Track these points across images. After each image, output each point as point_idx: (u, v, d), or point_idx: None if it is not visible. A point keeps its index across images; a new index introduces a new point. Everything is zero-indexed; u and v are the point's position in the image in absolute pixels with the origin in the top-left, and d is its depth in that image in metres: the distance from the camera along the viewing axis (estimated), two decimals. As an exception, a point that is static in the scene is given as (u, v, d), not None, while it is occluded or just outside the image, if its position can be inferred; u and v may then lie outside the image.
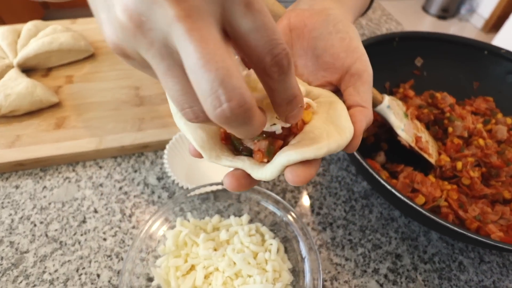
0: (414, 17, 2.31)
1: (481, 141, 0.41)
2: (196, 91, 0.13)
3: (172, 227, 0.31)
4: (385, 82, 0.51)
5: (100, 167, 0.42)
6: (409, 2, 2.42)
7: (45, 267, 0.34)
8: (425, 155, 0.40)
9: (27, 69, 0.50)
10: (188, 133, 0.20)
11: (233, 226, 0.31)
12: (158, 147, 0.43)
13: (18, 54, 0.50)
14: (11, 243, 0.36)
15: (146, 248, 0.30)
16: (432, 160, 0.41)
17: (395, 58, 0.50)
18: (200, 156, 0.21)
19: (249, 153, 0.21)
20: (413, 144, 0.40)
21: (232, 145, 0.22)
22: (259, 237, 0.31)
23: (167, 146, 0.38)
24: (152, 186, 0.40)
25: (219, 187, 0.32)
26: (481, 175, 0.39)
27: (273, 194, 0.32)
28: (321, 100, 0.24)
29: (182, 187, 0.36)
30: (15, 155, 0.40)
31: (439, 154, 0.42)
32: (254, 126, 0.15)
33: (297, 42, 0.26)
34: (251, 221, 0.33)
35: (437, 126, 0.44)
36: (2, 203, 0.38)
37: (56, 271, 0.34)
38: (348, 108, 0.23)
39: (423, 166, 0.41)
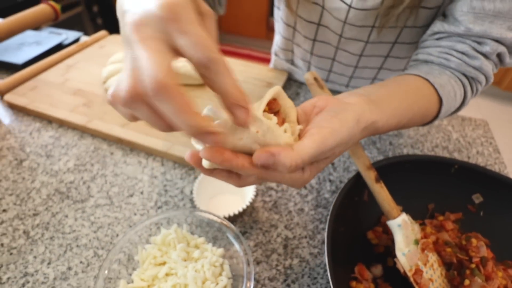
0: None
1: (494, 313, 0.36)
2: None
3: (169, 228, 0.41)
4: (429, 203, 0.49)
5: (163, 165, 0.56)
6: None
7: (95, 212, 0.49)
8: (419, 291, 0.38)
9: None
10: None
11: (208, 251, 0.39)
12: (204, 168, 0.54)
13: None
14: (88, 187, 0.52)
15: (145, 232, 0.40)
16: (426, 301, 0.38)
17: (451, 185, 0.48)
18: None
19: None
20: (409, 273, 0.38)
21: None
22: (219, 271, 0.37)
23: (201, 174, 0.48)
24: (184, 195, 0.51)
25: (223, 221, 0.40)
26: None
27: (250, 258, 0.37)
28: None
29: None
30: (120, 133, 0.58)
31: (441, 300, 0.38)
32: (173, 103, 0.21)
33: (315, 118, 0.31)
34: (225, 256, 0.39)
35: (456, 272, 0.40)
36: (99, 160, 0.56)
37: (98, 218, 0.48)
38: None
39: (420, 302, 0.39)
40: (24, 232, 0.46)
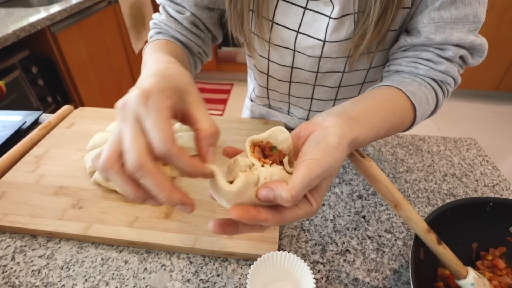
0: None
1: None
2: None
3: None
4: (472, 243, 0.50)
5: (191, 262, 0.49)
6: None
7: None
8: None
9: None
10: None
11: None
12: (241, 257, 0.48)
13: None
14: (111, 315, 0.43)
15: None
16: None
17: (487, 221, 0.49)
18: None
19: None
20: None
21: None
22: None
23: (251, 267, 0.43)
24: (229, 295, 0.45)
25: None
26: None
27: None
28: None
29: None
30: (131, 235, 0.50)
31: None
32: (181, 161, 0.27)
33: (302, 149, 0.33)
34: None
35: (531, 316, 0.41)
36: (113, 274, 0.47)
37: None
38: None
39: None
40: None
